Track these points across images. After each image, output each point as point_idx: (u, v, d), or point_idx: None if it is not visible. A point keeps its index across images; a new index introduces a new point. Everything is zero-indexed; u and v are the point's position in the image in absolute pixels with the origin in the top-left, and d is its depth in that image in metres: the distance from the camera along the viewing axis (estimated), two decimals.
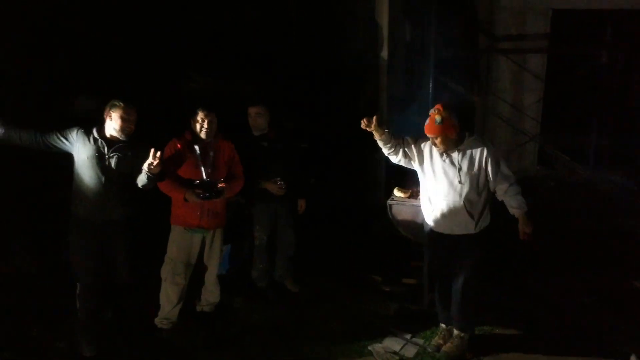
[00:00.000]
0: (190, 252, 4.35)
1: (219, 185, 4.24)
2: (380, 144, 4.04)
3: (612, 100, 9.23)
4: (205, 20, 7.17)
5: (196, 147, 4.27)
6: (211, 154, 4.31)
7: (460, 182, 3.88)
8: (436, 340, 4.24)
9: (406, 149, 4.05)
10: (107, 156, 3.84)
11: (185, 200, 4.18)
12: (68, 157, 3.95)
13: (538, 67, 9.64)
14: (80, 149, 3.84)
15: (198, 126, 4.26)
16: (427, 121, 3.84)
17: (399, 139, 4.05)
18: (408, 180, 5.19)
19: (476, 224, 3.95)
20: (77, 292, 4.03)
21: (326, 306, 4.85)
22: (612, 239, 6.40)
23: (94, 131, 3.87)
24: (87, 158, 3.81)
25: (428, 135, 3.88)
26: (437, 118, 3.78)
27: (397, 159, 4.10)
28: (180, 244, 4.32)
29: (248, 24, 7.56)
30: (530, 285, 5.24)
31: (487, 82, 10.02)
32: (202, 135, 4.26)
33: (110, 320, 4.27)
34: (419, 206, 4.63)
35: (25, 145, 3.83)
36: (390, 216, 4.77)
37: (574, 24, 9.26)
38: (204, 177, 4.27)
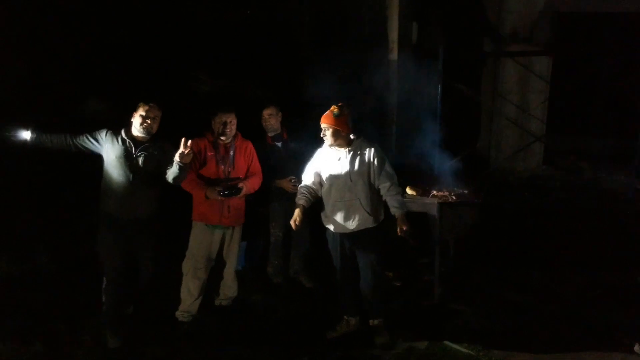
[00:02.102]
0: (210, 247, 4.51)
1: (239, 185, 4.41)
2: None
3: (616, 101, 9.35)
4: (212, 22, 7.29)
5: (217, 147, 4.44)
6: (231, 153, 4.47)
7: (352, 180, 4.08)
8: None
9: (315, 183, 4.22)
10: (134, 155, 4.00)
11: (207, 197, 4.35)
12: (88, 158, 4.12)
13: (543, 69, 9.78)
14: (109, 149, 4.01)
15: (219, 127, 4.42)
16: (327, 112, 4.08)
17: (307, 189, 4.21)
18: (418, 178, 5.34)
19: (374, 218, 4.15)
20: (104, 286, 4.19)
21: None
22: (616, 236, 6.51)
23: (122, 132, 4.04)
24: (116, 157, 3.98)
25: (322, 124, 4.09)
26: (335, 111, 4.04)
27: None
28: (201, 240, 4.48)
29: (256, 26, 7.69)
30: (538, 282, 5.37)
31: (494, 84, 10.16)
32: (223, 135, 4.42)
33: (132, 314, 4.43)
34: (430, 203, 4.81)
35: (56, 148, 4.01)
36: None
37: (579, 27, 9.40)
38: (224, 175, 4.44)
